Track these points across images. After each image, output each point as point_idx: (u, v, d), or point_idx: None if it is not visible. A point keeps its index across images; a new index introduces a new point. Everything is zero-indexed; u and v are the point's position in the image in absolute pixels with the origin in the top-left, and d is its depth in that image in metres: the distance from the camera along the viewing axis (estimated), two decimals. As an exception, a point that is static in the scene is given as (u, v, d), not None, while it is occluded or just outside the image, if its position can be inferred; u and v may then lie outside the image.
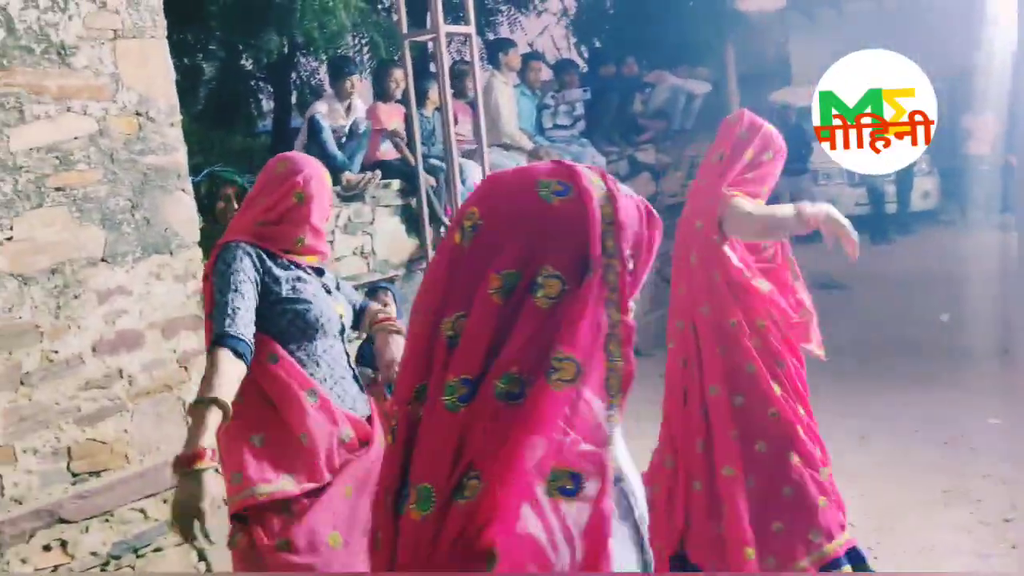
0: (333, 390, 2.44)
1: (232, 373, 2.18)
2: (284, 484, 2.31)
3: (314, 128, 5.61)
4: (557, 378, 1.02)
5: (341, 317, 2.52)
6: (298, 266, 2.47)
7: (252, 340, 2.26)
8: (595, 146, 7.87)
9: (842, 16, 12.87)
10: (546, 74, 8.53)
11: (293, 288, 2.40)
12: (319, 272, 2.56)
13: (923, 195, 12.65)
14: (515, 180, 1.11)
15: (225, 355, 2.19)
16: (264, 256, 2.41)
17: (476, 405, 1.03)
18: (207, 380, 2.17)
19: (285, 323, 2.39)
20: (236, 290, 2.29)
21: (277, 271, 2.41)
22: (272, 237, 2.44)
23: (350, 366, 2.56)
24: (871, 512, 4.15)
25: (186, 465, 2.09)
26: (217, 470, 2.16)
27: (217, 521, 2.18)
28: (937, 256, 10.38)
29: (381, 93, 6.22)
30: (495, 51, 7.28)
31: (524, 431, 1.01)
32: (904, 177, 12.27)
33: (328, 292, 2.51)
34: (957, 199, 11.96)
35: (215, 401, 2.12)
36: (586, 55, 10.72)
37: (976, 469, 4.58)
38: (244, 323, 2.25)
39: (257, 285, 2.36)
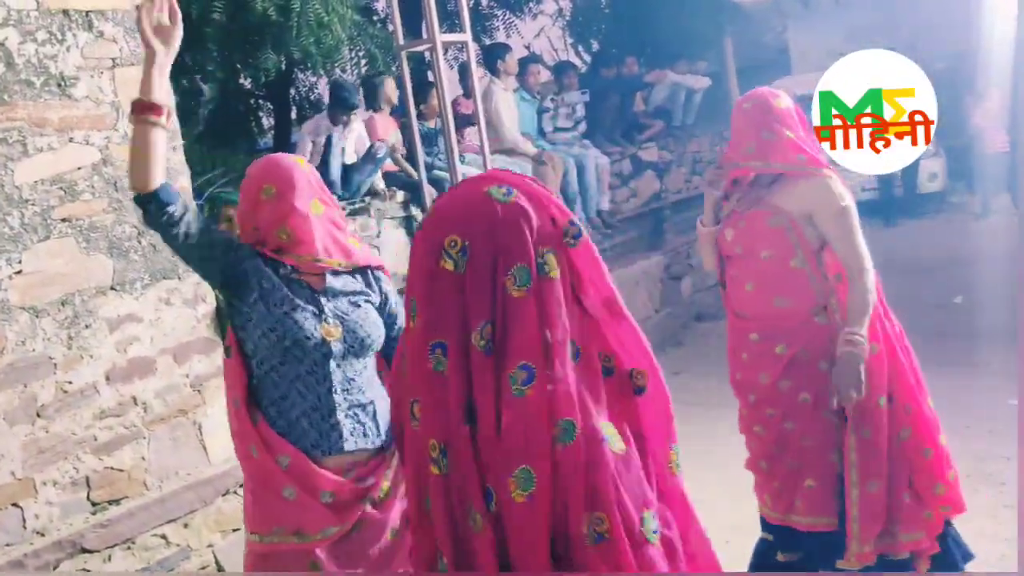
0: (299, 422, 2.24)
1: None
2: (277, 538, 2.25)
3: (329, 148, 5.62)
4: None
5: (327, 341, 2.26)
6: (290, 280, 2.28)
7: (179, 199, 2.20)
8: (597, 147, 7.86)
9: (839, 2, 12.83)
10: (545, 76, 8.52)
11: (267, 304, 2.24)
12: (336, 277, 2.34)
13: (930, 177, 12.60)
14: (469, 198, 1.27)
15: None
16: (261, 264, 2.27)
17: (557, 381, 1.21)
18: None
19: (257, 338, 2.25)
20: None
21: (263, 281, 2.25)
22: (261, 237, 2.29)
23: (342, 394, 2.29)
24: (894, 501, 4.12)
25: (140, 113, 2.20)
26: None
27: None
28: (947, 238, 10.32)
29: (372, 105, 6.21)
30: (492, 58, 7.27)
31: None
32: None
33: (319, 312, 2.27)
34: (965, 180, 11.90)
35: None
36: (584, 55, 10.71)
37: (998, 452, 4.54)
38: (184, 199, 2.24)
39: (237, 256, 2.26)
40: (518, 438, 1.18)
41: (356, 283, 2.38)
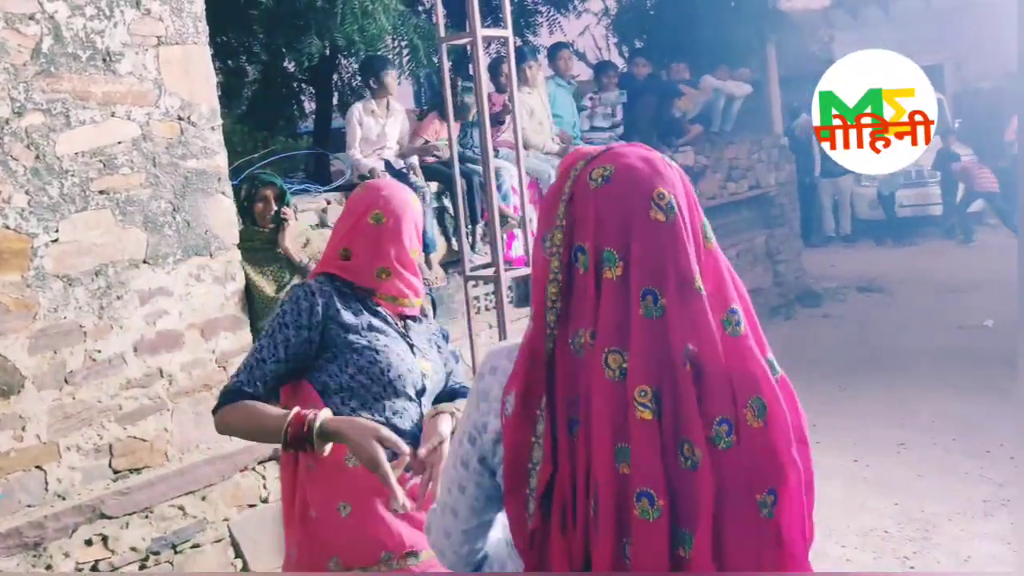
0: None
1: (256, 409, 2.04)
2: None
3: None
4: None
5: (424, 376, 2.17)
6: (376, 311, 2.17)
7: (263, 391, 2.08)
8: (633, 148, 7.83)
9: (888, 16, 12.70)
10: (586, 74, 8.50)
11: (361, 336, 2.11)
12: (413, 319, 2.26)
13: (970, 197, 12.46)
14: (652, 158, 1.29)
15: (236, 408, 2.07)
16: (336, 299, 2.13)
17: (753, 323, 1.28)
18: (259, 421, 2.02)
19: (347, 377, 2.10)
20: (272, 339, 2.09)
21: (346, 316, 2.12)
22: (352, 270, 2.18)
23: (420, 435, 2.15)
24: (908, 522, 4.10)
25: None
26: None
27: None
28: (984, 259, 10.20)
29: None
30: (519, 62, 7.06)
31: None
32: (947, 179, 12.10)
33: (411, 345, 2.18)
34: (1008, 200, 11.78)
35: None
36: (627, 55, 10.69)
37: (1018, 479, 4.50)
38: (261, 379, 2.09)
39: (311, 334, 2.09)
40: (744, 371, 1.23)
41: (427, 322, 2.32)
